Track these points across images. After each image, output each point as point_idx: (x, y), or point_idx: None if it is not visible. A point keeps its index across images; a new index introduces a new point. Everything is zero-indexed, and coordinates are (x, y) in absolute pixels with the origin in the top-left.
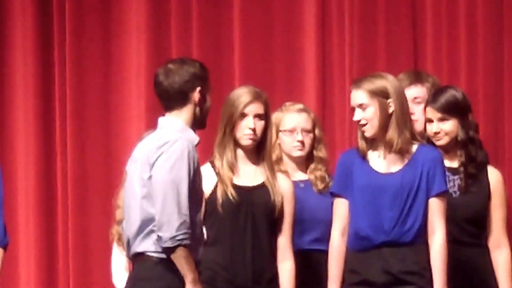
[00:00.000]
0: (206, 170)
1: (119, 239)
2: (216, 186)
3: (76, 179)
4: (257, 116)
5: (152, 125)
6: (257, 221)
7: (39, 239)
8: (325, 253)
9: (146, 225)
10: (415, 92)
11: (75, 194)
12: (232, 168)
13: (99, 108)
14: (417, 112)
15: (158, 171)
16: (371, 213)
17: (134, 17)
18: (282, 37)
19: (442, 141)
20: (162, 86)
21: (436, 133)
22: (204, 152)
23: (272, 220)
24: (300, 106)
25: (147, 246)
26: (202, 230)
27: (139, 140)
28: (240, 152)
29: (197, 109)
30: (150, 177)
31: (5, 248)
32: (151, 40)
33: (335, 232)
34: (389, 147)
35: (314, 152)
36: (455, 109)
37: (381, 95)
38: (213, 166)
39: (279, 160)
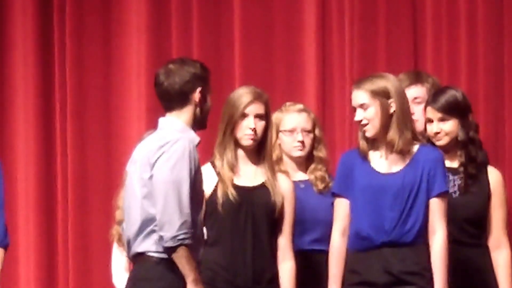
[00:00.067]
0: (207, 170)
1: (119, 239)
2: (216, 186)
3: (76, 179)
4: (258, 116)
5: (152, 125)
6: (257, 221)
7: (39, 239)
8: (325, 253)
9: (146, 225)
10: (415, 92)
11: (75, 194)
12: (233, 168)
13: (99, 109)
14: (417, 112)
15: (159, 171)
16: (372, 213)
17: (134, 18)
18: (282, 37)
19: (442, 141)
20: (162, 87)
21: (436, 133)
22: (204, 152)
23: (273, 220)
24: (300, 106)
25: (148, 246)
26: (202, 230)
27: (140, 140)
28: (240, 152)
29: (198, 109)
30: (150, 177)
31: (5, 248)
32: (151, 41)
33: (336, 232)
34: (390, 147)
35: (314, 152)
36: (455, 109)
37: (382, 95)
38: (214, 166)
39: (279, 160)
